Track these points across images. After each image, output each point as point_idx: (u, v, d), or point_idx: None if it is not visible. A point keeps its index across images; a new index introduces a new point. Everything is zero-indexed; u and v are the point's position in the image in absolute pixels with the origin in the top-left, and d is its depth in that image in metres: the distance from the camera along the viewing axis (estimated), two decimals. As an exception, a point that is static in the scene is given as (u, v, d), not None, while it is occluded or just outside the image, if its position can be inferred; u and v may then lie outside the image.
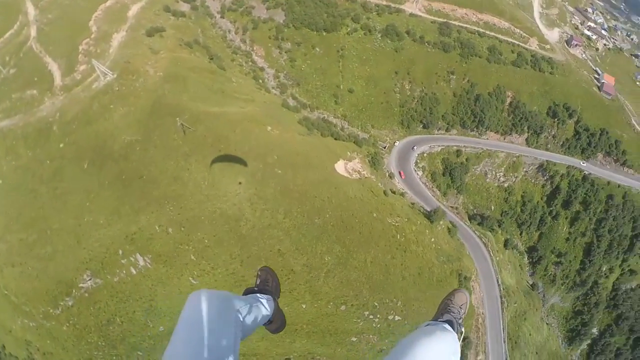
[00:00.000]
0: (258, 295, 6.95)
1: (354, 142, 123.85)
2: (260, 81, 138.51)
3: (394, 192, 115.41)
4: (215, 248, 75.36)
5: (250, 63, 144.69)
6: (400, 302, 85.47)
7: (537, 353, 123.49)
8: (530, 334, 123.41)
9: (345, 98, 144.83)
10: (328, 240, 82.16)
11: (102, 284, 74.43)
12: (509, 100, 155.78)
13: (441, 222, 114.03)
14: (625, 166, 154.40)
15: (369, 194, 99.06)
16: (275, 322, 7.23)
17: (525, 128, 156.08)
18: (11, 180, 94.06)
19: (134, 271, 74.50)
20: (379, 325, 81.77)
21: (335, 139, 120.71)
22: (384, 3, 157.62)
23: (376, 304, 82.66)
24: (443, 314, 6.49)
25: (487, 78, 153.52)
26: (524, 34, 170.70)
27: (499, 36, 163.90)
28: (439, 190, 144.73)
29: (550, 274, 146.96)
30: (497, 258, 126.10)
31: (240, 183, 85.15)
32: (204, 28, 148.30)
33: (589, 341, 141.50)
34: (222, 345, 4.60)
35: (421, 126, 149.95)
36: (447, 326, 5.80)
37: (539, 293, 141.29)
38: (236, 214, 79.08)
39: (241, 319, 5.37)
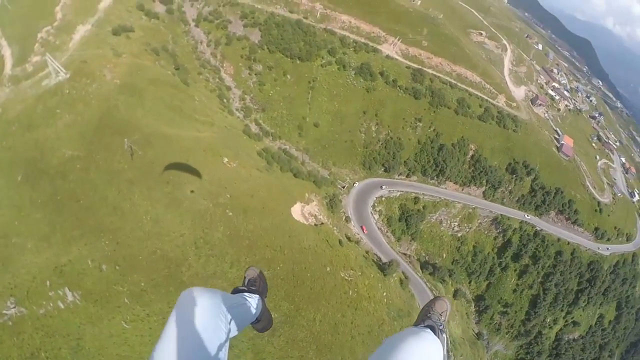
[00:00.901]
0: (246, 294, 6.71)
1: (313, 182, 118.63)
2: (225, 101, 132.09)
3: (349, 239, 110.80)
4: (151, 293, 67.63)
5: (217, 80, 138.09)
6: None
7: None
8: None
9: (309, 131, 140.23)
10: (276, 296, 75.91)
11: (27, 315, 65.25)
12: (471, 152, 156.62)
13: (394, 275, 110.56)
14: (576, 225, 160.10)
15: (323, 244, 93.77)
16: (263, 322, 6.97)
17: (484, 181, 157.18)
18: None
19: (61, 305, 66.03)
20: (323, 388, 76.44)
21: (295, 175, 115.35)
22: (362, 41, 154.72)
23: (322, 365, 77.44)
24: (424, 320, 6.18)
25: (453, 129, 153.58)
26: (494, 90, 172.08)
27: (470, 89, 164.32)
28: (393, 236, 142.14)
29: (496, 322, 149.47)
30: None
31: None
32: (175, 34, 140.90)
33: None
34: (214, 343, 4.49)
35: (382, 169, 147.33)
36: (429, 331, 5.52)
37: (483, 340, 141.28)
38: (178, 257, 71.66)
39: (231, 318, 5.13)
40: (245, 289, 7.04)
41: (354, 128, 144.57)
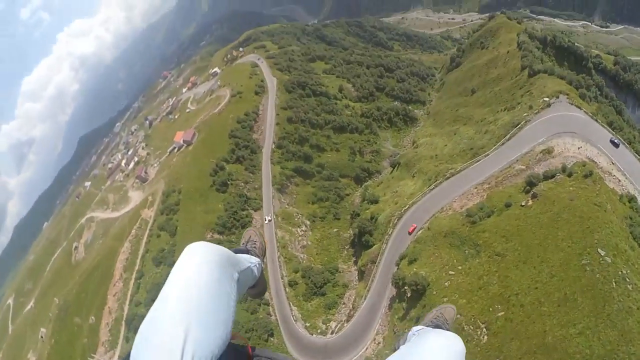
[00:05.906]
0: (247, 256, 5.24)
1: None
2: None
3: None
4: None
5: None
6: None
7: None
8: None
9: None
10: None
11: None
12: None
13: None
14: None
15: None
16: (258, 287, 5.62)
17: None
18: None
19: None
20: None
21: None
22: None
23: None
24: (433, 323, 5.41)
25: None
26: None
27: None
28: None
29: None
30: None
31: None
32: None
33: None
34: (226, 306, 3.32)
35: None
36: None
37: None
38: None
39: (237, 280, 3.84)
40: (247, 250, 5.67)
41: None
